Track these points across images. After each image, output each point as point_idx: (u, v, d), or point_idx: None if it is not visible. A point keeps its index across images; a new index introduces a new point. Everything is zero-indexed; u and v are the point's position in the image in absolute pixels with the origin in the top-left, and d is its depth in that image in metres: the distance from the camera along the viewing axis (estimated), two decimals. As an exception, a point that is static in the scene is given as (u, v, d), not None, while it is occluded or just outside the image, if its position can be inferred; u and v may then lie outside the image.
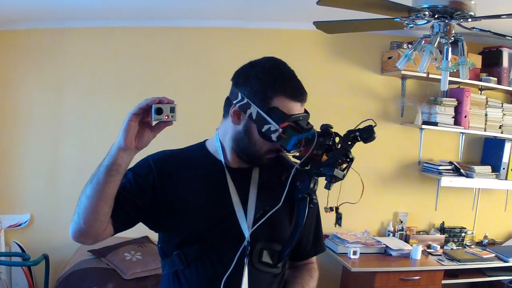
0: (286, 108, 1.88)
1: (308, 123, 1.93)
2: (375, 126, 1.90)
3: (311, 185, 1.92)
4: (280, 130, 1.84)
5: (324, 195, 2.00)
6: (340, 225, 2.06)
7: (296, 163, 2.05)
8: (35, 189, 5.28)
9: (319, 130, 2.01)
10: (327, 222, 2.32)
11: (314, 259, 2.37)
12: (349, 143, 1.91)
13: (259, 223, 1.95)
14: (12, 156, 5.23)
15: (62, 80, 5.25)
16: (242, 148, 2.00)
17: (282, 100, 1.88)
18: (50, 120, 5.29)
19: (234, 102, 1.96)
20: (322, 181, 1.93)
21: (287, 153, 1.94)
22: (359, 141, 1.90)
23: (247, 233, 1.96)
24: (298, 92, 1.93)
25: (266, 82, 1.92)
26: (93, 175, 1.81)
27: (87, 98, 5.30)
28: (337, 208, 2.03)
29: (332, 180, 1.87)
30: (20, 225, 5.17)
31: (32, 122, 5.23)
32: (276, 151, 1.97)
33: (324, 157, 1.94)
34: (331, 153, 1.92)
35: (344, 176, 1.87)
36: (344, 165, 1.90)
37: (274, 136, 1.86)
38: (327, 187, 1.89)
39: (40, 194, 5.30)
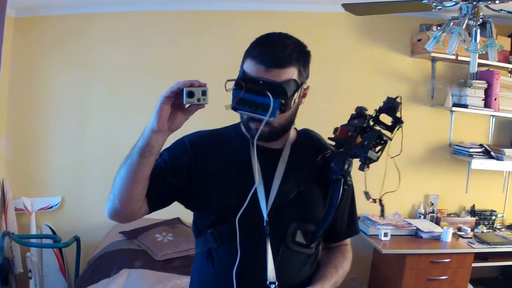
0: (250, 70, 1.87)
1: (267, 91, 1.81)
2: (397, 97, 1.94)
3: (345, 167, 1.93)
4: (233, 87, 1.84)
5: (362, 179, 1.99)
6: (383, 216, 2.07)
7: (332, 145, 2.06)
8: (65, 172, 5.33)
9: (354, 112, 2.02)
10: (358, 203, 2.32)
11: (348, 241, 2.37)
12: (394, 131, 1.95)
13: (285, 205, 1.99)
14: (42, 140, 5.28)
15: (89, 64, 5.29)
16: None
17: (248, 63, 1.88)
18: (78, 104, 5.34)
19: None
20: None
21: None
22: (397, 123, 1.92)
23: (265, 213, 1.96)
24: (262, 56, 1.87)
25: (248, 48, 1.95)
26: (127, 156, 1.84)
27: (114, 82, 5.34)
28: (380, 200, 2.03)
29: (366, 161, 1.88)
30: (51, 207, 5.22)
31: (61, 106, 5.27)
32: (255, 119, 1.90)
33: (359, 139, 1.94)
34: (366, 135, 1.93)
35: (378, 158, 1.88)
36: (379, 147, 1.90)
37: None
38: (361, 168, 1.89)
39: (71, 177, 5.34)
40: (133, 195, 1.86)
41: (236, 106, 1.83)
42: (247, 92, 1.81)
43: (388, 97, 1.95)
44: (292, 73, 1.88)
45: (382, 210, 2.08)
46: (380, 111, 1.98)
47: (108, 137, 5.31)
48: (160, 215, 2.12)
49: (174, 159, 2.03)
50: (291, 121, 2.02)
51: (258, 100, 1.81)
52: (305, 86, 1.97)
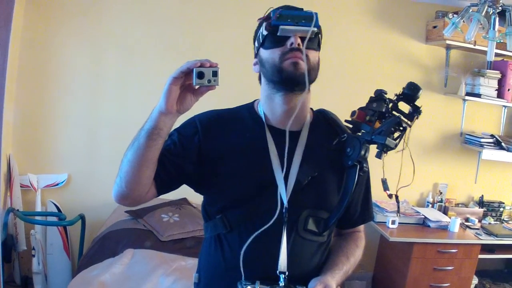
0: None
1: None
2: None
3: (362, 153, 1.86)
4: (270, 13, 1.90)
5: (378, 164, 1.93)
6: (399, 214, 2.03)
7: (348, 127, 2.01)
8: (73, 149, 5.25)
9: (373, 95, 1.96)
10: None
11: (361, 227, 2.31)
12: (413, 118, 1.88)
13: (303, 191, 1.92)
14: (51, 116, 5.19)
15: (103, 39, 5.17)
16: None
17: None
18: (90, 80, 5.23)
19: None
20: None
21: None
22: (418, 112, 1.87)
23: (285, 199, 1.89)
24: (287, 7, 1.93)
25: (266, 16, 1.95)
26: (134, 139, 1.78)
27: (127, 58, 5.22)
28: (396, 197, 1.98)
29: (383, 149, 1.82)
30: (57, 184, 5.17)
31: (72, 81, 5.16)
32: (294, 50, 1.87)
33: (377, 124, 1.89)
34: (384, 120, 1.87)
35: (396, 145, 1.82)
36: (397, 134, 1.84)
37: None
38: (378, 156, 1.83)
39: (78, 154, 5.28)
40: (140, 179, 1.81)
41: (276, 22, 1.80)
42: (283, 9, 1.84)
43: (410, 82, 1.89)
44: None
45: (398, 208, 2.05)
46: (401, 96, 1.91)
47: (118, 115, 5.22)
48: (167, 195, 2.07)
49: (184, 140, 1.97)
50: (315, 76, 1.92)
51: (299, 14, 1.81)
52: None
